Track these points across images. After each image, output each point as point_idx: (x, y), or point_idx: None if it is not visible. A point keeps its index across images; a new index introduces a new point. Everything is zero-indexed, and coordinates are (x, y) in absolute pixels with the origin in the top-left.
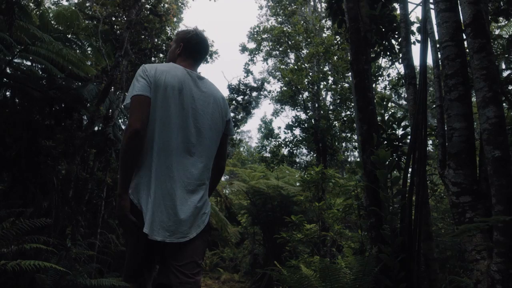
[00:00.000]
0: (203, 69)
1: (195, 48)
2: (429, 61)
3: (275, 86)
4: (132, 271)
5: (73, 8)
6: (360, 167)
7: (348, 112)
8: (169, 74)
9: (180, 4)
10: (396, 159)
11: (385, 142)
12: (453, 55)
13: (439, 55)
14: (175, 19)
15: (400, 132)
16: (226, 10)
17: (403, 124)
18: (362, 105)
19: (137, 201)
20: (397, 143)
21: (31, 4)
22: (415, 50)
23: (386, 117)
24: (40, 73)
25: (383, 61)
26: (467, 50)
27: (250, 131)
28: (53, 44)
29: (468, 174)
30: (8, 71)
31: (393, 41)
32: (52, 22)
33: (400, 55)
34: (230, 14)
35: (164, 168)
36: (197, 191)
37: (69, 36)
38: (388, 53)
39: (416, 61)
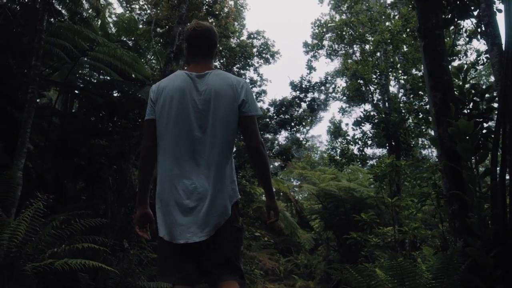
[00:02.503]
0: (266, 70)
1: (195, 43)
2: None
3: (339, 82)
4: (163, 272)
5: (132, 15)
6: (436, 144)
7: (422, 103)
8: (168, 87)
9: (239, 7)
10: (481, 138)
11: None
12: None
13: None
14: (235, 23)
15: (484, 106)
16: (288, 8)
17: (487, 96)
18: (434, 70)
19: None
20: (480, 119)
21: (93, 14)
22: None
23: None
24: (101, 78)
25: (457, 40)
26: None
27: (320, 135)
28: (107, 45)
29: None
30: (79, 83)
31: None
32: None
33: (482, 25)
34: (292, 12)
35: (174, 177)
36: (212, 189)
37: (130, 42)
38: (462, 16)
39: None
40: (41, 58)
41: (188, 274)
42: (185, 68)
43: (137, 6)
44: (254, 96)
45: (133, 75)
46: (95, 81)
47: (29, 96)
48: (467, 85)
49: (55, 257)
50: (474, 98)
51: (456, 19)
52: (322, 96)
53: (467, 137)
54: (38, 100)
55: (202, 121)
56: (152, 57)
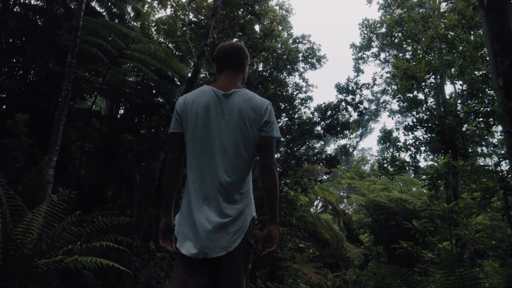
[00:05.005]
0: (312, 76)
1: (220, 60)
2: None
3: (389, 89)
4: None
5: (172, 17)
6: (504, 120)
7: (483, 106)
8: (195, 102)
9: (284, 12)
10: None
11: None
12: None
13: None
14: (280, 28)
15: None
16: (334, 7)
17: None
18: (501, 32)
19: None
20: None
21: (134, 17)
22: None
23: None
24: (138, 78)
25: None
26: None
27: (371, 148)
28: (141, 41)
29: None
30: (118, 86)
31: None
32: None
33: None
34: (339, 10)
35: (196, 192)
36: (227, 208)
37: (170, 44)
38: None
39: None
40: (76, 55)
41: (202, 286)
42: (216, 79)
43: (180, 12)
44: (299, 102)
45: (170, 74)
46: (133, 81)
47: (63, 93)
48: None
49: (71, 255)
50: None
51: None
52: (373, 107)
53: None
54: (94, 108)
55: (224, 140)
56: (192, 62)
